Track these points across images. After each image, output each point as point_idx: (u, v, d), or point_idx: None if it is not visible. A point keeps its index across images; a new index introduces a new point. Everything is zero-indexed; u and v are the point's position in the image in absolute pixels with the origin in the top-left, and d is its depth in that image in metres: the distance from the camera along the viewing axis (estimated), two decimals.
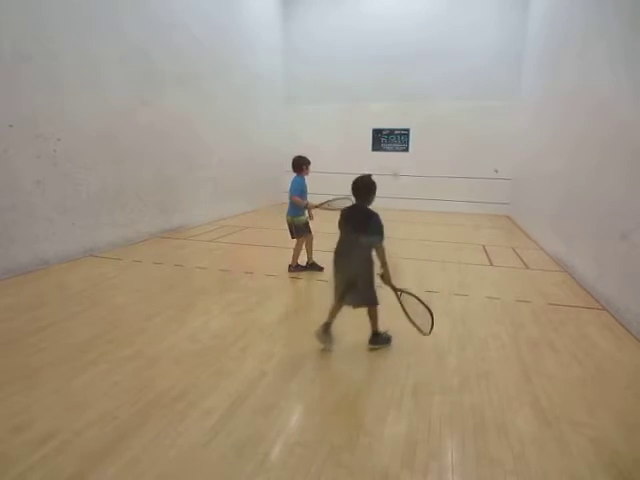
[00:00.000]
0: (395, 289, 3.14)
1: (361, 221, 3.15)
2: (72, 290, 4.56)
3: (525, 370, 3.07)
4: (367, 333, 3.35)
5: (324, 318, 3.23)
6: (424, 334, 3.01)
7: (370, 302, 3.25)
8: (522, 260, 6.48)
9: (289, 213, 5.33)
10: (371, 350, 3.30)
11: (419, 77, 11.65)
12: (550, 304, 4.51)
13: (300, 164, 5.29)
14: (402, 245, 7.43)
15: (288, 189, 5.34)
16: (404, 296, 3.12)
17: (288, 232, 5.41)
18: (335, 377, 2.90)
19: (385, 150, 12.33)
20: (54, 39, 5.31)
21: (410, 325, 3.07)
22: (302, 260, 5.51)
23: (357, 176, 3.22)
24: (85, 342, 3.31)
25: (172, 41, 7.61)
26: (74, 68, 5.62)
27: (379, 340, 3.36)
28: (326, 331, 3.26)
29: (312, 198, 5.34)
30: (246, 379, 2.80)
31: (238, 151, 10.29)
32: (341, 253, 3.25)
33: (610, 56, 5.09)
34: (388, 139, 12.33)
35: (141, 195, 7.01)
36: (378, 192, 3.25)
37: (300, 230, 5.33)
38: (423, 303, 3.01)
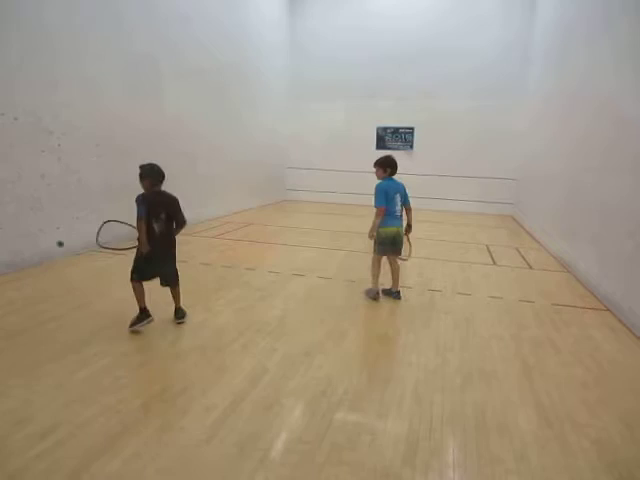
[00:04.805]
0: None
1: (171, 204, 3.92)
2: (75, 284, 4.58)
3: (527, 370, 3.06)
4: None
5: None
6: None
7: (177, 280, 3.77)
8: (526, 260, 6.46)
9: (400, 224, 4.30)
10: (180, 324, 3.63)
11: (424, 75, 11.62)
12: (553, 304, 4.49)
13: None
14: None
15: (404, 193, 4.30)
16: None
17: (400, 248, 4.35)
18: (337, 375, 2.90)
19: (389, 148, 12.29)
20: (59, 34, 5.31)
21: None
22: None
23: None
24: (88, 336, 3.33)
25: (177, 38, 7.60)
26: (79, 64, 5.62)
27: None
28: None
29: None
30: (248, 376, 2.80)
31: (242, 148, 10.29)
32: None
33: (615, 54, 5.05)
34: (393, 137, 12.31)
35: None
36: None
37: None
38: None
